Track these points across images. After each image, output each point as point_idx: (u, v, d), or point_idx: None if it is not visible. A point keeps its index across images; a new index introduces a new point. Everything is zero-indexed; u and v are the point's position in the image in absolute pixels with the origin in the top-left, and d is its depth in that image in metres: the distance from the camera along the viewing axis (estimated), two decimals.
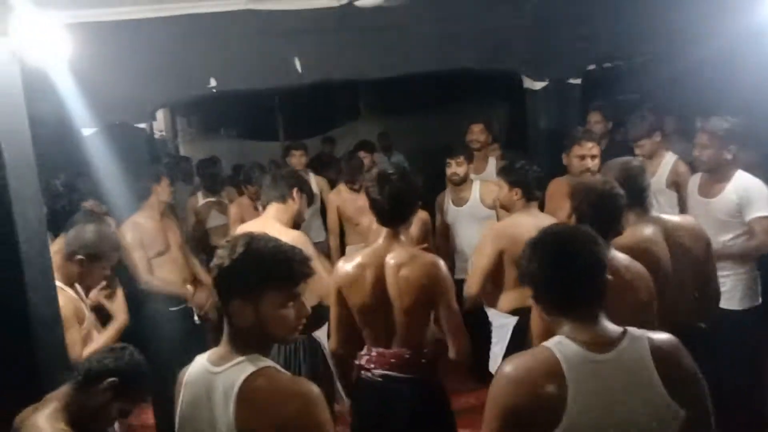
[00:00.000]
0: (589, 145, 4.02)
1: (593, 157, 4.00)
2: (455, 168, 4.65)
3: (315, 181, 5.70)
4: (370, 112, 11.70)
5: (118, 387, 2.21)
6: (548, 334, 1.73)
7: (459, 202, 4.75)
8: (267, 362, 1.71)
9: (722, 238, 3.49)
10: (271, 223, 3.35)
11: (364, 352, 2.88)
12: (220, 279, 1.72)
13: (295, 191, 3.50)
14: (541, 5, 5.62)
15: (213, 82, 5.43)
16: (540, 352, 1.66)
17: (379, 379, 2.77)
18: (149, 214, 4.36)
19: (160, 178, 4.42)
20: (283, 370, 1.73)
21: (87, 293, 3.24)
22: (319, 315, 3.09)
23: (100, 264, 3.07)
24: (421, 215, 4.25)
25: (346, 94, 11.48)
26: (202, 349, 1.83)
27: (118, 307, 3.24)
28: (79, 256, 2.99)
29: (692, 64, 5.57)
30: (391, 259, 2.70)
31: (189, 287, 4.39)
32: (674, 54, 5.88)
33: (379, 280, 2.72)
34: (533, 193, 3.50)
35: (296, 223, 3.55)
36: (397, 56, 5.66)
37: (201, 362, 1.77)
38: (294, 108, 10.71)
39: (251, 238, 1.73)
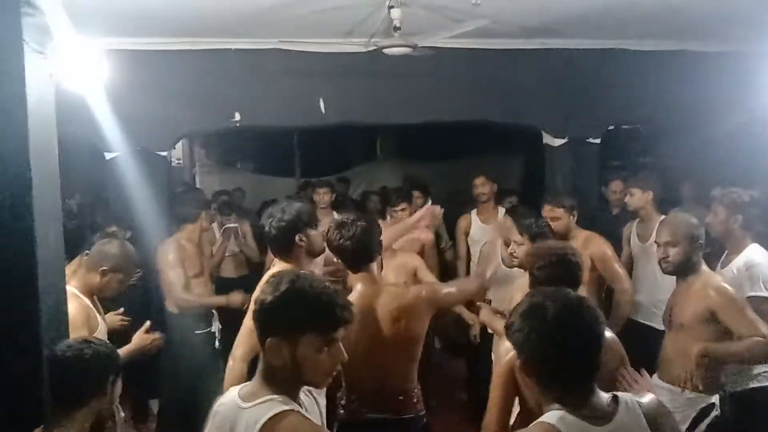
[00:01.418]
0: (552, 209, 4.12)
1: (553, 219, 4.06)
2: (480, 188, 4.99)
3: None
4: (386, 156, 11.78)
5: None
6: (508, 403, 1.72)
7: (487, 220, 4.95)
8: (293, 405, 1.66)
9: None
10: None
11: (353, 396, 2.84)
12: (261, 314, 1.69)
13: (298, 238, 3.00)
14: (566, 65, 5.72)
15: (238, 117, 5.52)
16: (542, 428, 1.59)
17: (366, 420, 2.76)
18: (190, 237, 4.50)
19: (208, 205, 4.71)
20: (307, 415, 1.70)
21: (102, 303, 3.32)
22: None
23: (119, 277, 3.21)
24: (412, 261, 4.29)
25: (365, 136, 11.58)
26: (220, 374, 1.81)
27: (139, 336, 3.27)
28: (103, 267, 3.14)
29: (715, 134, 5.62)
30: (380, 300, 2.75)
31: (222, 299, 4.45)
32: (697, 121, 5.93)
33: (371, 324, 2.73)
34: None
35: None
36: (420, 104, 5.74)
37: (233, 395, 1.74)
38: (312, 146, 10.80)
39: (296, 276, 1.70)
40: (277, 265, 2.97)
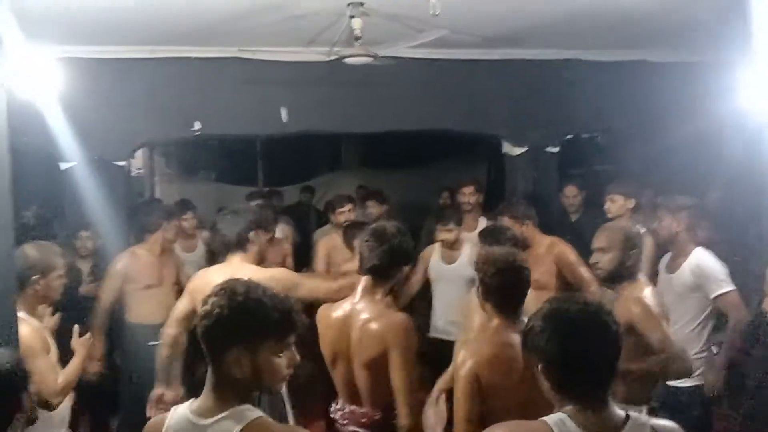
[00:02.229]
0: (504, 220, 4.19)
1: None
2: (444, 235, 4.60)
3: (280, 229, 5.63)
4: (351, 165, 11.79)
5: None
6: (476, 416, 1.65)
7: (449, 259, 4.74)
8: (258, 412, 1.65)
9: (684, 314, 3.56)
10: (239, 267, 3.07)
11: (338, 406, 2.83)
12: (217, 327, 1.64)
13: (252, 234, 3.06)
14: (526, 75, 5.80)
15: (197, 126, 5.45)
16: (538, 426, 1.59)
17: None
18: (149, 248, 4.48)
19: (170, 216, 4.60)
20: (273, 421, 1.69)
21: (54, 313, 3.24)
22: None
23: (55, 274, 2.99)
24: None
25: (329, 145, 11.57)
26: None
27: (77, 342, 3.12)
28: (34, 276, 2.91)
29: (672, 142, 5.74)
30: (360, 314, 2.69)
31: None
32: (654, 130, 6.06)
33: (347, 335, 2.71)
34: None
35: (262, 261, 3.30)
36: (382, 113, 5.76)
37: (183, 414, 1.69)
38: (275, 155, 10.74)
39: (248, 287, 1.69)
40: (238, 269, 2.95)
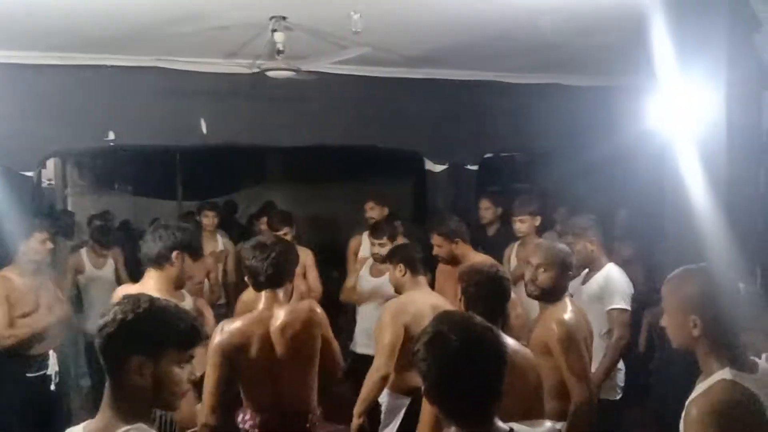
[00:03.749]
0: (434, 237, 4.16)
1: (438, 246, 4.13)
2: (377, 248, 4.58)
3: (221, 242, 5.58)
4: (274, 178, 11.66)
5: None
6: (439, 426, 1.63)
7: (377, 273, 4.68)
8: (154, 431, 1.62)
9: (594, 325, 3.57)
10: (149, 291, 3.00)
11: (248, 416, 2.79)
12: (119, 334, 1.60)
13: (175, 254, 2.88)
14: (447, 94, 5.92)
15: (111, 136, 5.27)
16: None
17: None
18: (19, 271, 3.98)
19: (30, 234, 4.00)
20: None
21: None
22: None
23: None
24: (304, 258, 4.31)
25: (251, 158, 11.39)
26: (60, 419, 1.68)
27: None
28: None
29: (586, 162, 5.98)
30: (275, 321, 2.72)
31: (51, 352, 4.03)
32: (569, 150, 6.30)
33: (267, 343, 2.71)
34: (416, 267, 3.53)
35: (179, 285, 3.08)
36: (304, 127, 5.74)
37: None
38: (195, 168, 10.48)
39: (152, 297, 1.68)
40: (123, 288, 2.92)
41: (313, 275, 4.66)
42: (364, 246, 5.13)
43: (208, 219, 5.52)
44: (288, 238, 4.55)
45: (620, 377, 3.69)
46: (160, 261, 2.85)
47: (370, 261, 4.74)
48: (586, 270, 3.88)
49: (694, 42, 3.17)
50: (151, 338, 1.61)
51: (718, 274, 1.98)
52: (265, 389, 2.76)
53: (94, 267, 5.16)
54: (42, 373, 4.02)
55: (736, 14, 3.14)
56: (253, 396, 2.79)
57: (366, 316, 4.66)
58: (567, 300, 3.01)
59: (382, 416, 3.49)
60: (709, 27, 3.13)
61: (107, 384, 1.64)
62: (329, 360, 2.89)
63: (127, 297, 1.67)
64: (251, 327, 2.73)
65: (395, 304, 3.47)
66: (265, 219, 5.10)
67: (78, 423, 1.68)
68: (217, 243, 5.53)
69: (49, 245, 4.03)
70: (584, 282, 3.82)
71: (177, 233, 2.87)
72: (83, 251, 5.25)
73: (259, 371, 2.73)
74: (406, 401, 3.35)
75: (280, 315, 2.74)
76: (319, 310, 2.88)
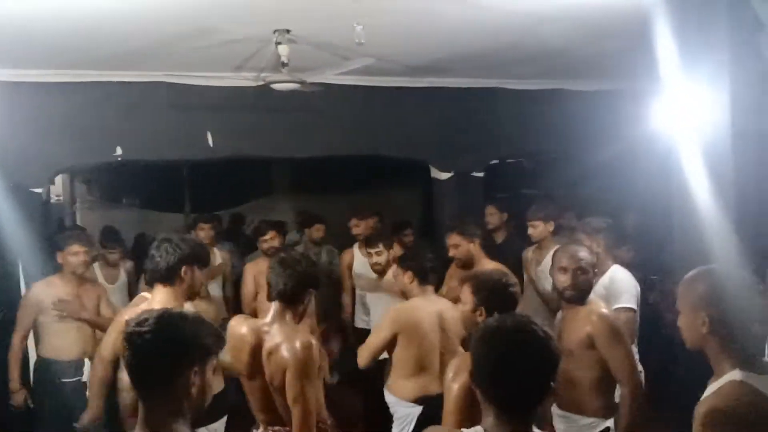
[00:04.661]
0: (452, 236, 4.28)
1: (454, 246, 4.24)
2: (375, 258, 4.73)
3: (219, 255, 5.55)
4: (282, 190, 11.69)
5: None
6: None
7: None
8: None
9: None
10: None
11: (260, 430, 2.82)
12: (183, 347, 1.63)
13: (183, 270, 2.90)
14: (452, 102, 5.94)
15: (119, 151, 5.31)
16: None
17: None
18: (65, 278, 4.24)
19: (63, 246, 4.24)
20: None
21: None
22: (220, 406, 3.07)
23: None
24: None
25: (259, 170, 11.43)
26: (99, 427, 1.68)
27: None
28: None
29: (592, 166, 5.99)
30: (269, 339, 2.71)
31: (17, 386, 4.14)
32: (574, 155, 6.30)
33: (259, 357, 2.72)
34: (426, 277, 3.58)
35: (191, 296, 3.13)
36: (310, 139, 5.77)
37: None
38: (203, 181, 10.52)
39: (180, 311, 1.78)
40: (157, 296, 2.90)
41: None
42: (357, 259, 5.18)
43: (204, 232, 5.42)
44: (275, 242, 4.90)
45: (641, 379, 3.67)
46: (169, 278, 2.86)
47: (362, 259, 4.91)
48: None
49: (697, 45, 3.17)
50: (204, 348, 1.67)
51: (727, 273, 2.01)
52: (266, 405, 2.77)
53: (106, 281, 5.19)
54: (77, 379, 4.16)
55: (738, 16, 3.14)
56: (258, 411, 2.82)
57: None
58: (595, 297, 3.15)
59: (394, 425, 3.49)
60: (712, 29, 3.14)
61: (148, 399, 1.63)
62: (295, 413, 2.61)
63: (165, 312, 1.70)
64: (249, 335, 2.73)
65: (394, 310, 3.57)
66: (264, 237, 5.10)
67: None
68: (215, 256, 5.40)
69: (83, 257, 4.22)
70: None
71: (182, 246, 2.89)
72: (96, 265, 5.29)
73: (253, 378, 2.76)
74: (417, 409, 3.36)
75: (277, 332, 2.70)
76: (310, 357, 2.62)
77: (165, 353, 1.62)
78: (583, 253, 3.11)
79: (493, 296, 2.66)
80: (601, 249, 3.83)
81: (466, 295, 2.73)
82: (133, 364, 1.63)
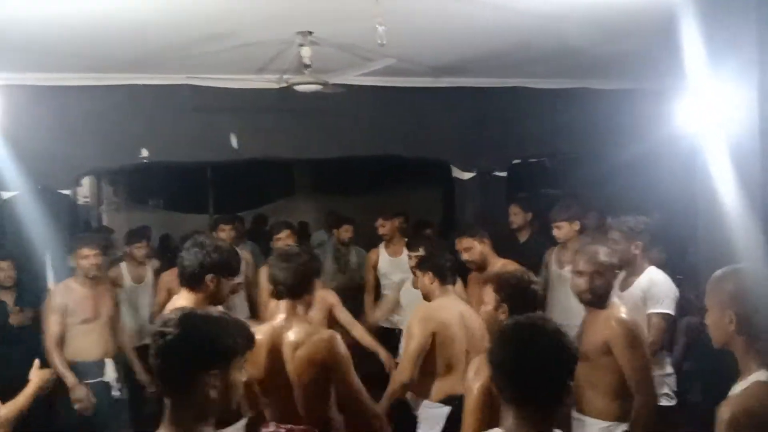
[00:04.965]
0: (463, 240, 4.26)
1: (466, 249, 4.21)
2: (380, 230, 5.04)
3: (242, 256, 5.57)
4: (304, 191, 11.77)
5: None
6: (484, 427, 1.67)
7: (393, 253, 5.06)
8: None
9: None
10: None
11: (271, 429, 2.78)
12: (191, 351, 1.61)
13: (209, 278, 2.82)
14: (473, 102, 5.93)
15: (145, 153, 5.38)
16: None
17: None
18: (81, 280, 4.27)
19: (74, 249, 4.29)
20: None
21: None
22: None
23: None
24: (328, 297, 4.29)
25: (282, 171, 11.52)
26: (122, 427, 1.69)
27: (36, 373, 3.02)
28: None
29: (614, 165, 5.93)
30: (289, 336, 2.71)
31: (73, 380, 4.08)
32: (597, 155, 6.25)
33: (278, 358, 2.70)
34: (446, 277, 3.57)
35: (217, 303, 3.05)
36: (333, 139, 5.79)
37: None
38: (226, 182, 10.64)
39: (205, 312, 1.74)
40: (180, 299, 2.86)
41: (343, 314, 4.38)
42: (382, 259, 5.20)
43: (225, 233, 5.33)
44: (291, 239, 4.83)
45: (671, 382, 3.60)
46: (194, 283, 2.81)
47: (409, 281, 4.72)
48: (623, 274, 3.72)
49: (724, 42, 3.12)
50: (222, 351, 1.64)
51: (756, 272, 2.01)
52: (280, 400, 2.75)
53: (134, 281, 5.26)
54: (99, 380, 4.21)
55: (766, 12, 3.09)
56: (272, 407, 2.80)
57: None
58: (617, 301, 3.05)
59: (421, 427, 3.47)
60: (740, 26, 3.09)
61: (169, 400, 1.64)
62: (349, 407, 2.73)
63: (184, 315, 1.67)
64: (265, 339, 2.72)
65: (423, 311, 3.52)
66: (279, 235, 5.13)
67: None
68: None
69: (93, 260, 4.23)
70: (623, 288, 3.67)
71: (213, 254, 2.80)
72: (122, 265, 5.36)
73: (272, 382, 2.73)
74: (446, 410, 3.34)
75: (296, 330, 2.71)
76: (341, 349, 2.68)
77: (186, 354, 1.61)
78: (602, 256, 3.01)
79: (516, 294, 2.64)
80: (639, 250, 3.68)
81: (489, 294, 2.72)
82: (156, 364, 1.64)
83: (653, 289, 3.58)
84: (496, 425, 1.78)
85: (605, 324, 2.92)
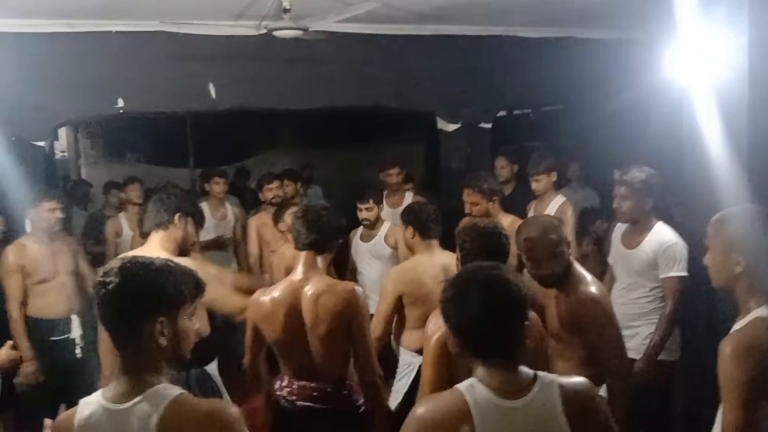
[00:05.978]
0: (468, 191, 4.19)
1: (473, 204, 4.17)
2: (365, 213, 4.64)
3: (231, 209, 5.56)
4: (286, 144, 11.61)
5: None
6: (440, 380, 1.71)
7: (366, 238, 4.76)
8: (178, 389, 1.61)
9: (639, 288, 3.47)
10: (155, 251, 2.92)
11: (285, 383, 2.82)
12: (139, 297, 1.60)
13: (177, 216, 3.01)
14: (458, 51, 5.81)
15: (120, 103, 5.23)
16: (451, 395, 1.64)
17: (301, 409, 2.75)
18: (36, 238, 4.06)
19: (38, 202, 4.04)
20: (193, 396, 1.65)
21: None
22: (211, 349, 3.05)
23: None
24: None
25: (263, 123, 11.33)
26: (85, 384, 1.67)
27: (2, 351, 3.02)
28: None
29: (600, 116, 5.87)
30: (309, 289, 2.70)
31: (29, 355, 3.92)
32: (583, 106, 6.18)
33: (297, 312, 2.70)
34: (428, 231, 3.50)
35: (184, 250, 3.15)
36: (314, 89, 5.66)
37: (96, 403, 1.61)
38: (206, 135, 10.44)
39: (152, 258, 1.69)
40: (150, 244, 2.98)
41: None
42: (357, 234, 5.00)
43: (219, 186, 5.47)
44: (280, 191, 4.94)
45: (676, 336, 3.47)
46: (163, 223, 2.99)
47: (360, 228, 4.76)
48: (623, 227, 3.59)
49: None
50: (173, 296, 1.64)
51: (760, 214, 1.99)
52: (297, 356, 2.76)
53: (131, 230, 5.18)
54: (65, 336, 4.11)
55: None
56: (287, 362, 2.81)
57: (364, 278, 4.71)
58: (583, 273, 2.73)
59: (397, 372, 3.52)
60: None
61: (120, 348, 1.63)
62: (359, 358, 2.73)
63: (130, 261, 1.65)
64: (284, 295, 2.72)
65: (393, 273, 3.53)
66: (269, 185, 5.09)
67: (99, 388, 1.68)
68: (227, 210, 5.49)
69: (58, 214, 4.06)
70: (631, 246, 3.50)
71: (178, 196, 3.05)
72: (121, 215, 5.33)
73: (289, 338, 2.73)
74: (419, 359, 3.36)
75: (316, 282, 2.72)
76: (361, 302, 2.71)
77: (127, 303, 1.60)
78: (552, 234, 2.65)
79: (477, 244, 2.55)
80: (648, 205, 3.44)
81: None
82: (100, 314, 1.63)
83: (667, 251, 3.37)
84: (456, 376, 1.79)
85: (577, 304, 2.66)
